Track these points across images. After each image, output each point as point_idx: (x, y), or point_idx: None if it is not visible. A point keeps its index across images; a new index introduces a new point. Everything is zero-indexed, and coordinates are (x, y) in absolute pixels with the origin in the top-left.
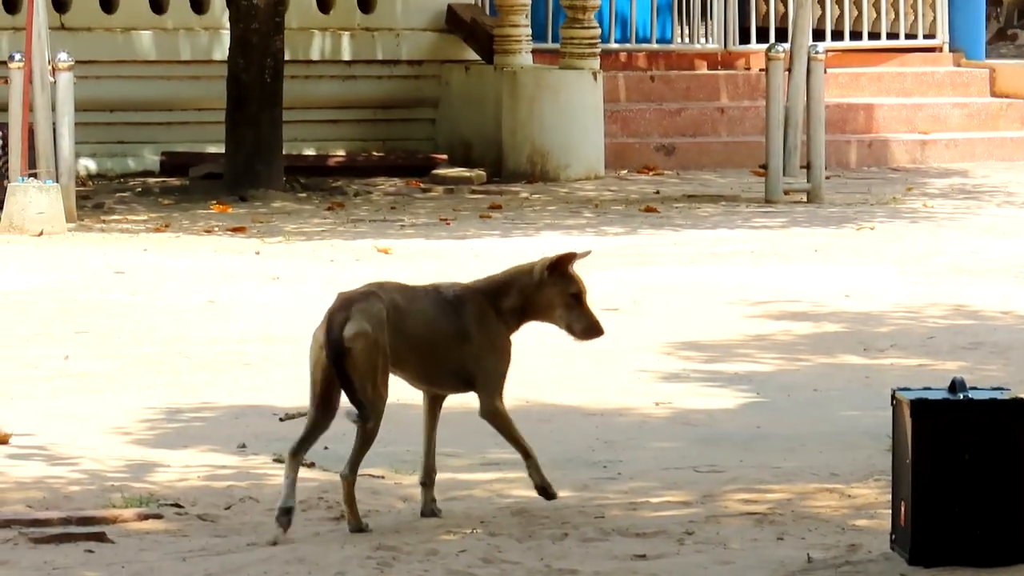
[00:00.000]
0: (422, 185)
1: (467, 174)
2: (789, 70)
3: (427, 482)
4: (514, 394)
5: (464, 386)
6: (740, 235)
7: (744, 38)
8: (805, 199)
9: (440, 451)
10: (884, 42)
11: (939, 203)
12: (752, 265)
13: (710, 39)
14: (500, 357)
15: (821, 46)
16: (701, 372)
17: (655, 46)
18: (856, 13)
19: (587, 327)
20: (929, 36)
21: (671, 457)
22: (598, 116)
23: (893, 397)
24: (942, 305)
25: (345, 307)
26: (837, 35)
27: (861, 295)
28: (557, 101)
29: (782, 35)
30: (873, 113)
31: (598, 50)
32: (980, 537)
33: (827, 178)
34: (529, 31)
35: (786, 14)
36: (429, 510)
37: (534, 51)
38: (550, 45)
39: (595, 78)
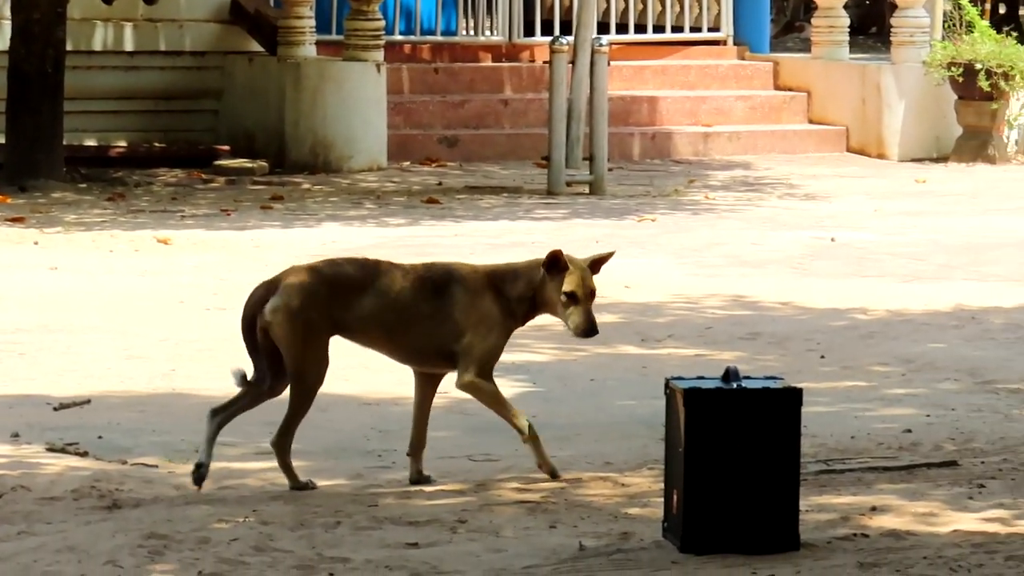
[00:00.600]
0: (204, 176)
1: (249, 165)
2: (573, 62)
3: (413, 453)
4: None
5: (445, 363)
6: (521, 226)
7: (529, 30)
8: (587, 191)
9: (218, 439)
10: (669, 35)
11: (721, 195)
12: (531, 256)
13: (495, 31)
14: (485, 335)
15: (605, 39)
16: None
17: (440, 38)
18: (641, 6)
19: (579, 326)
20: (714, 29)
21: (446, 446)
22: (381, 108)
23: (667, 386)
24: (721, 296)
25: (270, 283)
26: (622, 28)
27: (641, 286)
28: (340, 93)
29: (567, 28)
30: (657, 106)
31: (382, 42)
32: (752, 525)
33: (610, 170)
34: (313, 23)
35: (571, 7)
36: (416, 479)
37: (318, 43)
38: (334, 37)
39: (379, 70)
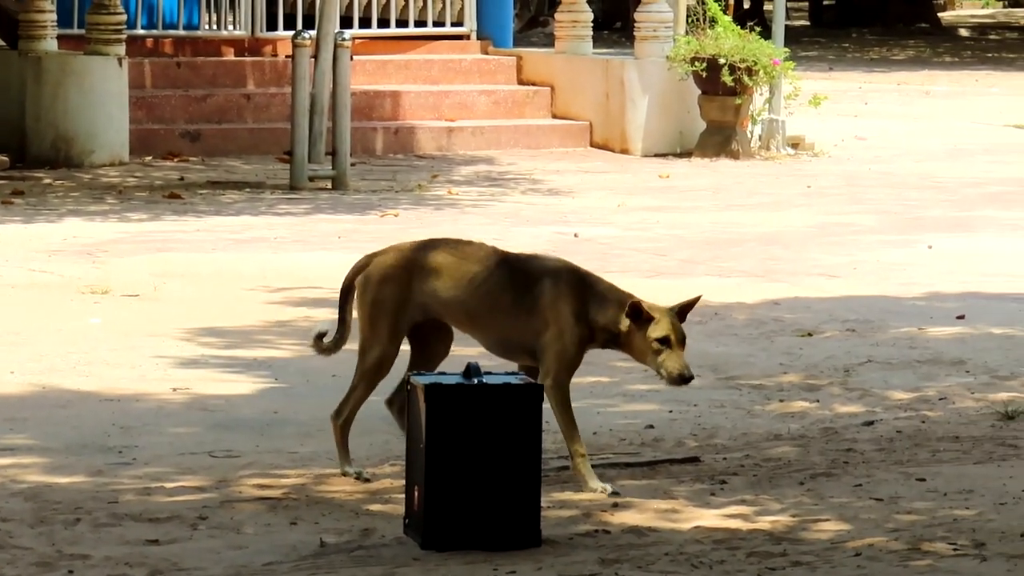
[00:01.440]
0: None
1: None
2: (315, 57)
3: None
4: (29, 380)
5: (530, 358)
6: (263, 221)
7: (272, 25)
8: (330, 186)
9: None
10: (412, 30)
11: (464, 190)
12: (274, 252)
13: (237, 26)
14: (561, 339)
15: (348, 33)
16: (220, 358)
17: (182, 32)
18: (384, 1)
19: (673, 372)
20: (457, 24)
21: (187, 443)
22: (123, 102)
23: (408, 382)
24: None
25: (371, 255)
26: (365, 22)
27: None
28: (82, 87)
29: (310, 22)
30: (400, 100)
31: (124, 36)
32: (494, 522)
33: (353, 165)
34: (55, 17)
35: (314, 2)
36: None
37: (60, 37)
38: (76, 31)
39: (120, 64)
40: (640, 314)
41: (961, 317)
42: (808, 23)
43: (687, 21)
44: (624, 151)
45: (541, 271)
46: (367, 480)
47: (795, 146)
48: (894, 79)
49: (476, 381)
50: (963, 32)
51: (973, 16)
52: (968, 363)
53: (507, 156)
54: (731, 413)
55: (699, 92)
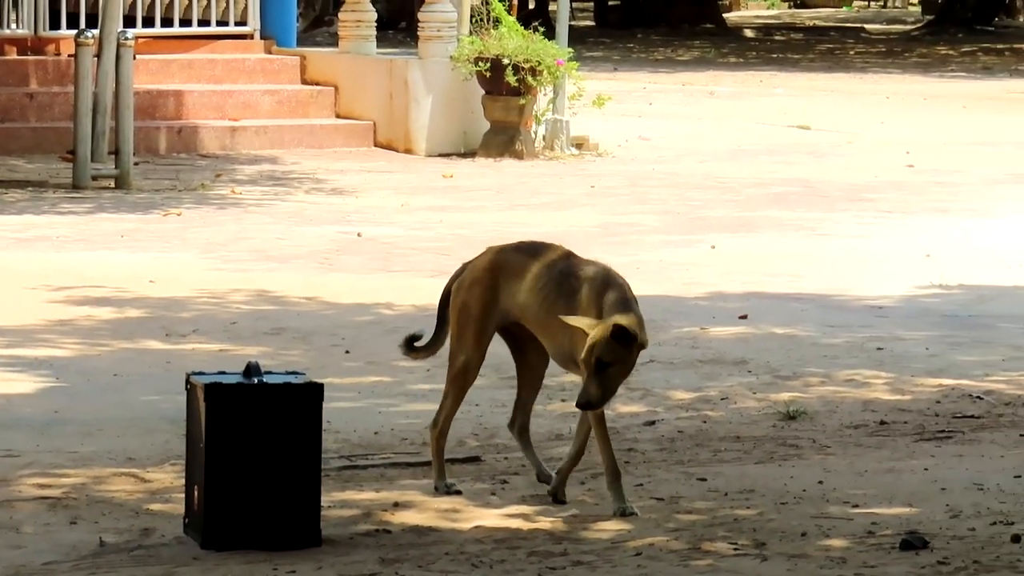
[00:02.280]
0: None
1: None
2: (99, 56)
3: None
4: None
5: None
6: (46, 220)
7: (55, 23)
8: (113, 185)
9: None
10: (195, 29)
11: (248, 189)
12: (56, 251)
13: (20, 25)
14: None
15: (131, 32)
16: (0, 357)
17: None
18: (168, 0)
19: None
20: (241, 23)
21: None
22: None
23: (188, 382)
24: (246, 291)
25: (465, 264)
26: (148, 21)
27: (166, 281)
28: None
29: (94, 21)
30: (183, 100)
31: None
32: (274, 521)
33: (136, 164)
34: None
35: (98, 0)
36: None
37: None
38: None
39: None
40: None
41: (744, 317)
42: (593, 23)
43: (471, 21)
44: (408, 151)
45: (582, 278)
46: (457, 492)
47: (579, 146)
48: (679, 79)
49: (256, 380)
50: (748, 33)
51: (758, 17)
52: (750, 363)
53: (291, 155)
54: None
55: (483, 92)
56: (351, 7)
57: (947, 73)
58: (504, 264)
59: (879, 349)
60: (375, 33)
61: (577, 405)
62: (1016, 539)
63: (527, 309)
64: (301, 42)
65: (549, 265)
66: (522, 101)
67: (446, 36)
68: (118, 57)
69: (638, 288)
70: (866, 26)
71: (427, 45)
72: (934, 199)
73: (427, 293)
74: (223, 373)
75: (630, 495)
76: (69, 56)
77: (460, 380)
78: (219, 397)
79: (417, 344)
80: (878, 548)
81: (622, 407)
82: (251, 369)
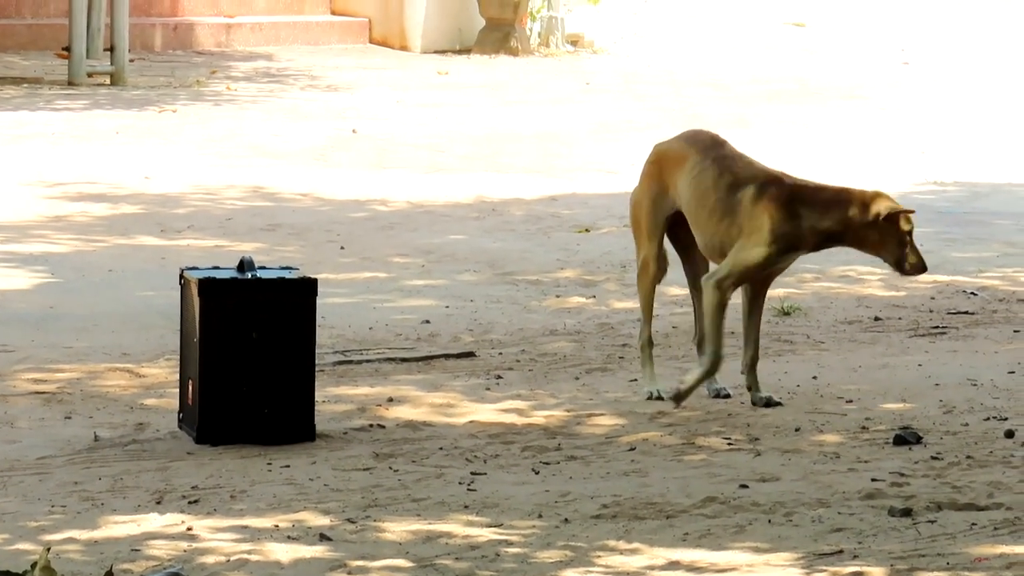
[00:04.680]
0: None
1: None
2: None
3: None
4: None
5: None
6: (41, 117)
7: None
8: (108, 82)
9: None
10: None
11: (243, 86)
12: (52, 147)
13: None
14: (748, 252)
15: None
16: None
17: None
18: None
19: (917, 264)
20: None
21: None
22: None
23: (181, 277)
24: (241, 187)
25: None
26: None
27: (161, 177)
28: None
29: None
30: None
31: None
32: (268, 415)
33: (131, 61)
34: None
35: None
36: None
37: None
38: None
39: None
40: (898, 219)
41: None
42: None
43: None
44: (403, 48)
45: (752, 179)
46: (662, 398)
47: (575, 43)
48: None
49: (250, 275)
50: None
51: None
52: None
53: (286, 52)
54: (507, 308)
55: None
56: None
57: None
58: (666, 153)
59: None
60: None
61: (916, 272)
62: (1009, 434)
63: (683, 201)
64: None
65: (708, 155)
66: None
67: None
68: None
69: (631, 185)
70: None
71: None
72: (928, 95)
73: (422, 189)
74: (217, 268)
75: (624, 390)
76: None
77: (642, 277)
78: (213, 292)
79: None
80: (871, 443)
81: (617, 303)
82: (245, 264)
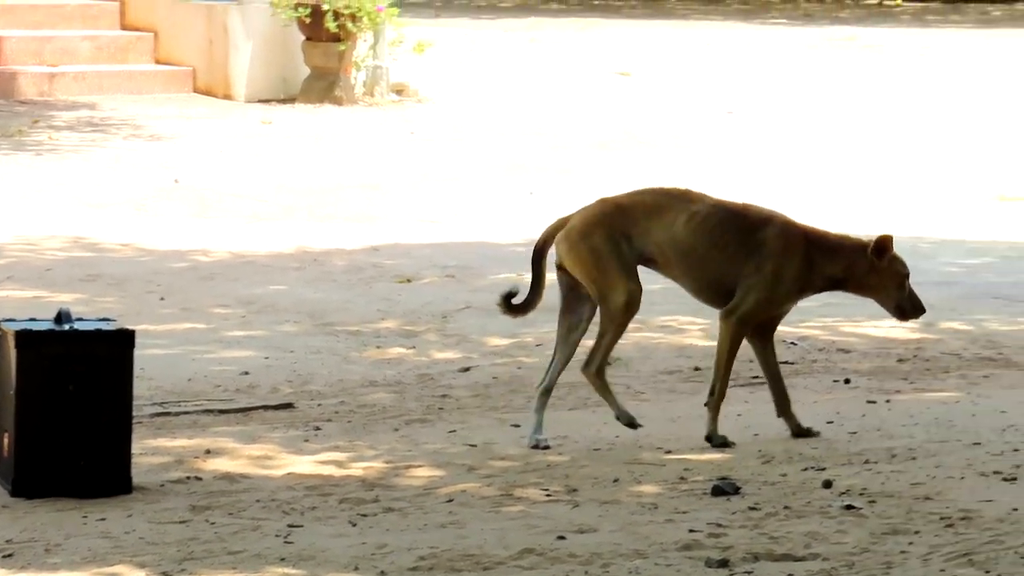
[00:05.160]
0: None
1: None
2: None
3: (783, 413)
4: None
5: (725, 300)
6: None
7: None
8: None
9: None
10: None
11: (65, 136)
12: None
13: None
14: (770, 291)
15: None
16: None
17: None
18: None
19: (916, 306)
20: None
21: None
22: None
23: None
24: (62, 237)
25: (558, 221)
26: None
27: None
28: None
29: None
30: (1, 46)
31: None
32: (85, 468)
33: None
34: None
35: None
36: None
37: None
38: None
39: None
40: (886, 250)
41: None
42: None
43: None
44: (228, 97)
45: (767, 221)
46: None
47: (400, 92)
48: (501, 26)
49: (67, 326)
50: None
51: None
52: None
53: (110, 102)
54: (327, 359)
55: (303, 38)
56: None
57: (769, 20)
58: (632, 206)
59: None
60: None
61: (915, 315)
62: (827, 484)
63: (670, 246)
64: None
65: (695, 201)
66: (342, 47)
67: None
68: None
69: (456, 234)
70: None
71: None
72: (752, 146)
73: (243, 239)
74: (34, 320)
75: (443, 441)
76: None
77: (624, 315)
78: (29, 343)
79: (515, 302)
80: (689, 494)
81: (438, 353)
82: (62, 316)
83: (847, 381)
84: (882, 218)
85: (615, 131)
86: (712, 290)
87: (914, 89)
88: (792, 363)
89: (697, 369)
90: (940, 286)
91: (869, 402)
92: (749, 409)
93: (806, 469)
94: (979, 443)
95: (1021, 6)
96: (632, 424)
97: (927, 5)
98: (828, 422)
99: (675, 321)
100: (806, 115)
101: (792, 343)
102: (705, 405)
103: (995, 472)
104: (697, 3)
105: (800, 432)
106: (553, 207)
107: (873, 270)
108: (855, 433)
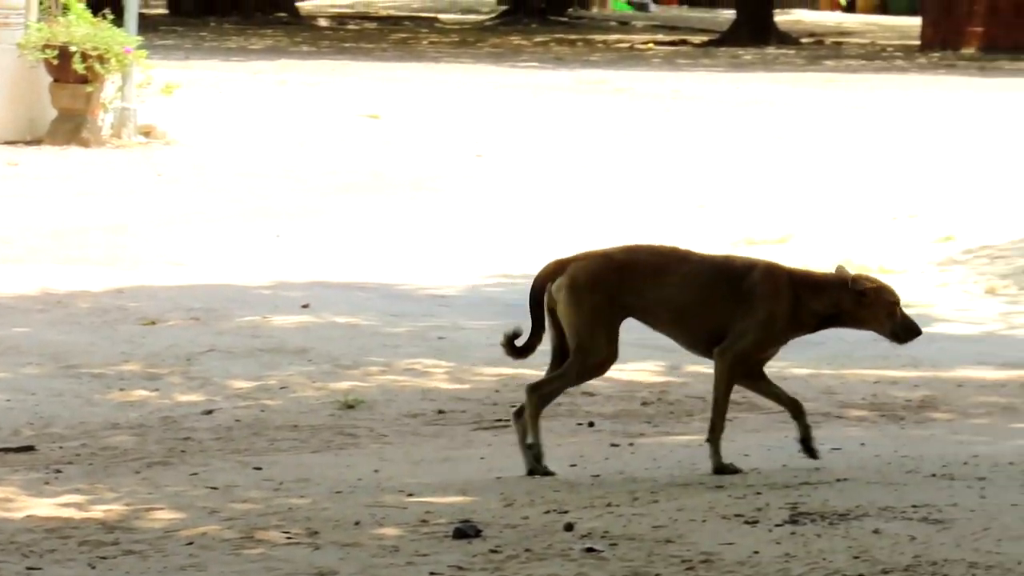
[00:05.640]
0: None
1: None
2: None
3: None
4: None
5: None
6: None
7: None
8: None
9: None
10: None
11: None
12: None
13: None
14: (763, 333)
15: None
16: None
17: None
18: None
19: (910, 329)
20: None
21: None
22: None
23: None
24: None
25: (561, 262)
26: None
27: None
28: None
29: None
30: None
31: None
32: None
33: None
34: None
35: None
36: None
37: None
38: None
39: None
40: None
41: (306, 306)
42: (167, 11)
43: (40, 7)
44: None
45: (751, 269)
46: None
47: (147, 134)
48: (251, 68)
49: None
50: (322, 22)
51: (333, 5)
52: (311, 352)
53: None
54: (70, 402)
55: (51, 80)
56: None
57: (519, 63)
58: (631, 265)
59: (440, 338)
60: None
61: (911, 337)
62: (568, 527)
63: (663, 304)
64: None
65: (683, 260)
66: (89, 89)
67: (14, 23)
68: None
69: (202, 277)
70: (440, 16)
71: None
72: (500, 188)
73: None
74: None
75: (185, 484)
76: None
77: (593, 373)
78: None
79: (518, 343)
80: (431, 536)
81: (181, 396)
82: None
83: (591, 424)
84: None
85: (363, 173)
86: (706, 343)
87: (665, 131)
88: None
89: (441, 412)
90: None
91: (613, 445)
92: (492, 452)
93: (548, 512)
94: (721, 486)
95: (772, 50)
96: (535, 469)
97: (678, 49)
98: (571, 465)
99: (419, 364)
100: (555, 157)
101: None
102: (707, 441)
103: (736, 515)
104: (448, 46)
105: (805, 440)
106: (299, 249)
107: (861, 303)
108: (598, 476)
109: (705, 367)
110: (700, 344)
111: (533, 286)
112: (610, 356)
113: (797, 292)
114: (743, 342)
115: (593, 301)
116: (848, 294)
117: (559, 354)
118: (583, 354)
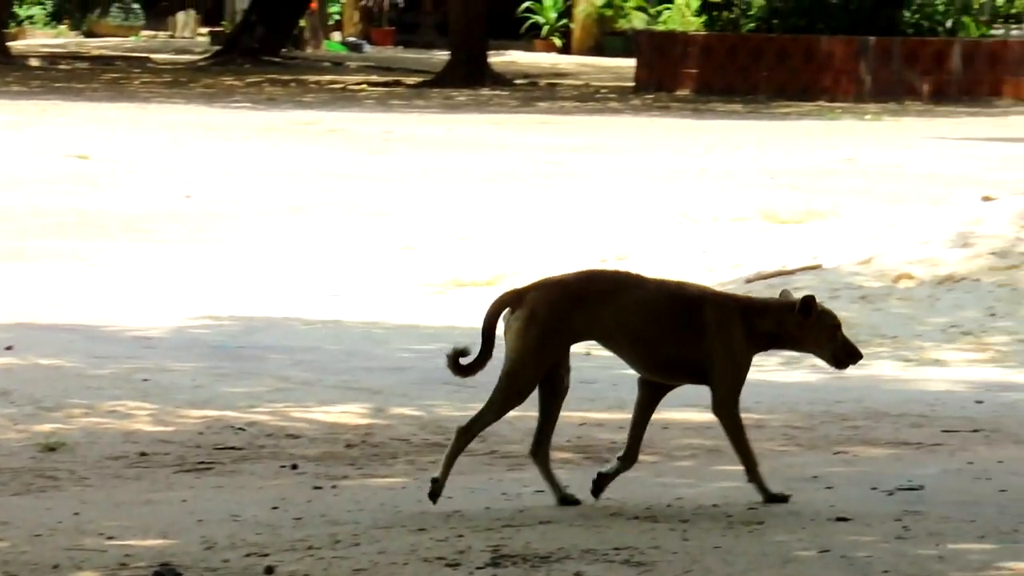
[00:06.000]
0: None
1: None
2: None
3: (626, 460)
4: None
5: (694, 379)
6: None
7: None
8: None
9: None
10: None
11: None
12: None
13: None
14: (734, 365)
15: None
16: None
17: None
18: None
19: (851, 353)
20: None
21: None
22: None
23: None
24: None
25: (519, 292)
26: None
27: None
28: None
29: None
30: None
31: None
32: None
33: None
34: None
35: None
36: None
37: None
38: None
39: None
40: (811, 308)
41: (9, 348)
42: None
43: None
44: None
45: (702, 298)
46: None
47: None
48: None
49: None
50: (33, 62)
51: (45, 45)
52: (13, 394)
53: None
54: None
55: None
56: None
57: (232, 104)
58: (587, 293)
59: (145, 380)
60: None
61: (852, 361)
62: (269, 571)
63: (617, 331)
64: None
65: (641, 287)
66: None
67: None
68: None
69: None
70: (153, 56)
71: None
72: (210, 230)
73: None
74: None
75: None
76: None
77: (515, 401)
78: None
79: (463, 361)
80: None
81: None
82: None
83: (295, 467)
84: (331, 304)
85: (71, 214)
86: (663, 369)
87: (376, 172)
88: (240, 448)
89: (143, 454)
90: (392, 372)
91: (316, 488)
92: (194, 495)
93: (249, 555)
94: (424, 529)
95: (486, 91)
96: (435, 493)
97: (392, 90)
98: (273, 508)
99: (123, 406)
100: (265, 198)
101: (240, 428)
102: (749, 482)
103: (438, 558)
104: (161, 86)
105: (603, 479)
106: (4, 291)
107: (803, 326)
108: (300, 519)
109: (409, 410)
110: (656, 370)
111: (488, 313)
112: (532, 389)
113: (747, 316)
114: (724, 389)
115: (546, 333)
116: (791, 317)
117: (546, 388)
118: (513, 380)
